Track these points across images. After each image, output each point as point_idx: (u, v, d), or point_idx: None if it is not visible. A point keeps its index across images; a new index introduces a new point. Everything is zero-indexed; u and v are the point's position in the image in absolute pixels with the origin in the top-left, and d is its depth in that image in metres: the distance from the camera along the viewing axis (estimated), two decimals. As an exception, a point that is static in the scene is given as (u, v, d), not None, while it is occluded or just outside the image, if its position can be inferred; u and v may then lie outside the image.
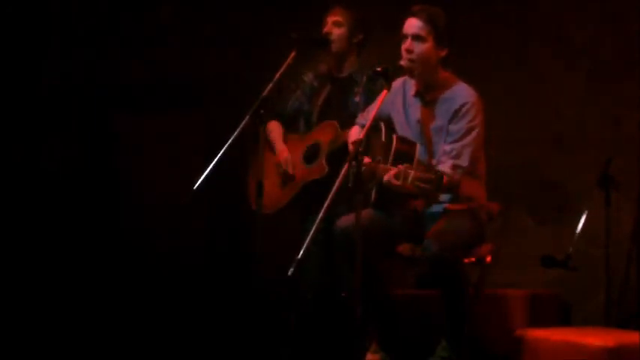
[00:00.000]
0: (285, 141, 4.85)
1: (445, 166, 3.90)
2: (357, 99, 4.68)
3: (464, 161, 3.97)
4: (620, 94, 5.13)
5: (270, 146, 4.87)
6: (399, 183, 3.67)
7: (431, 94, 4.16)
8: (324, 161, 4.64)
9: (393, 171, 3.76)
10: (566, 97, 5.34)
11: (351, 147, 4.35)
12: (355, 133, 4.40)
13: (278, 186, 4.82)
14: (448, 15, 4.16)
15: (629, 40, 5.10)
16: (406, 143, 4.08)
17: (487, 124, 4.12)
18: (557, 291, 5.02)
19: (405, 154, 4.01)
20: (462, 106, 4.05)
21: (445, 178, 3.66)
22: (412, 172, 3.62)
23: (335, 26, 4.71)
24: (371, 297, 4.00)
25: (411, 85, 4.23)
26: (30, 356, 5.10)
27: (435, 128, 4.11)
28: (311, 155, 4.75)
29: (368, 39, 4.77)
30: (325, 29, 4.71)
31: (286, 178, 4.78)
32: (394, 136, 4.10)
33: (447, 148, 4.01)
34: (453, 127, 4.04)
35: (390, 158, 4.02)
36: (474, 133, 4.02)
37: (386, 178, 3.84)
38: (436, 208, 4.09)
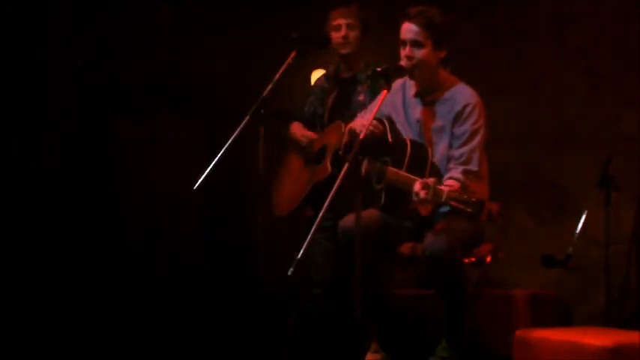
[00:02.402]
0: None
1: (457, 172, 3.90)
2: (360, 98, 4.69)
3: (474, 166, 3.97)
4: (620, 94, 5.13)
5: (294, 146, 4.89)
6: (429, 198, 3.64)
7: (431, 95, 4.16)
8: (328, 163, 4.63)
9: (420, 184, 3.69)
10: (566, 97, 5.34)
11: (346, 138, 4.34)
12: (359, 125, 4.38)
13: (292, 188, 4.82)
14: (448, 15, 4.15)
15: (629, 40, 5.10)
16: (419, 148, 4.06)
17: (487, 124, 4.12)
18: (557, 291, 5.02)
19: (418, 160, 4.00)
20: (465, 107, 4.04)
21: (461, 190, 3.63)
22: (446, 190, 3.60)
23: (349, 29, 4.71)
24: (371, 297, 4.00)
25: (411, 85, 4.23)
26: (28, 356, 5.09)
27: (436, 128, 4.11)
28: (316, 156, 4.76)
29: (371, 38, 4.79)
30: (342, 33, 4.70)
31: (312, 157, 4.77)
32: (407, 140, 4.10)
33: (455, 153, 4.00)
34: (458, 130, 4.04)
35: (405, 163, 4.00)
36: (479, 136, 4.02)
37: (415, 190, 3.73)
38: (443, 208, 4.08)
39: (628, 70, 5.09)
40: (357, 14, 4.71)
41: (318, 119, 4.90)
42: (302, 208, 4.76)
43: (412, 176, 3.83)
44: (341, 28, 4.72)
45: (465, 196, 3.57)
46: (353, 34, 4.72)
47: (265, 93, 4.09)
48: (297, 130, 4.91)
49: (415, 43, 4.05)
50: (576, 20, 5.32)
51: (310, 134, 4.83)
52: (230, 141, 3.96)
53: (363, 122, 4.35)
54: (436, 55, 4.09)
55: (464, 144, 4.01)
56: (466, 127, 4.03)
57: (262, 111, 4.06)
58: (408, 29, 4.05)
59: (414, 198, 3.72)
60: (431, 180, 3.66)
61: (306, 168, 4.82)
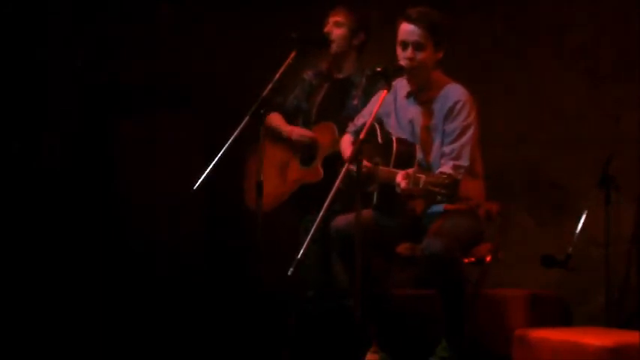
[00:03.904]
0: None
1: (446, 168, 3.90)
2: (355, 102, 4.67)
3: (464, 161, 3.98)
4: (620, 94, 5.13)
5: (273, 136, 4.85)
6: (409, 187, 3.66)
7: (424, 95, 4.17)
8: (319, 165, 4.63)
9: (402, 174, 3.73)
10: (566, 97, 5.34)
11: (346, 153, 4.34)
12: (347, 142, 4.40)
13: (276, 182, 4.80)
14: (448, 15, 4.16)
15: (629, 40, 5.10)
16: (405, 145, 4.08)
17: (487, 124, 4.13)
18: (557, 291, 5.01)
19: (405, 156, 4.02)
20: (455, 104, 4.06)
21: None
22: (423, 177, 3.61)
23: (335, 26, 4.70)
24: (370, 297, 4.00)
25: (402, 86, 4.23)
26: (28, 356, 5.09)
27: (431, 127, 4.12)
28: (307, 156, 4.74)
29: (369, 40, 4.77)
30: (326, 29, 4.71)
31: (308, 154, 4.74)
32: (394, 138, 4.11)
33: (446, 149, 4.02)
34: (449, 127, 4.05)
35: (392, 160, 4.02)
36: (469, 132, 4.03)
37: (397, 181, 3.78)
38: (435, 208, 4.09)
39: (628, 70, 5.09)
40: (348, 13, 4.69)
41: (302, 114, 4.86)
42: (289, 205, 4.75)
43: (396, 170, 3.85)
44: (328, 24, 4.71)
45: (439, 179, 3.58)
46: (337, 32, 4.69)
47: (265, 93, 4.09)
48: (281, 123, 4.85)
49: (418, 45, 4.05)
50: (576, 20, 5.32)
51: (307, 132, 4.78)
52: (230, 141, 3.96)
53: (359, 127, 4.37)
54: (435, 57, 4.10)
55: (454, 140, 4.02)
56: (457, 123, 4.04)
57: (262, 111, 4.05)
58: (411, 31, 4.05)
59: (397, 189, 3.75)
60: (411, 170, 3.68)
61: (291, 163, 4.79)
